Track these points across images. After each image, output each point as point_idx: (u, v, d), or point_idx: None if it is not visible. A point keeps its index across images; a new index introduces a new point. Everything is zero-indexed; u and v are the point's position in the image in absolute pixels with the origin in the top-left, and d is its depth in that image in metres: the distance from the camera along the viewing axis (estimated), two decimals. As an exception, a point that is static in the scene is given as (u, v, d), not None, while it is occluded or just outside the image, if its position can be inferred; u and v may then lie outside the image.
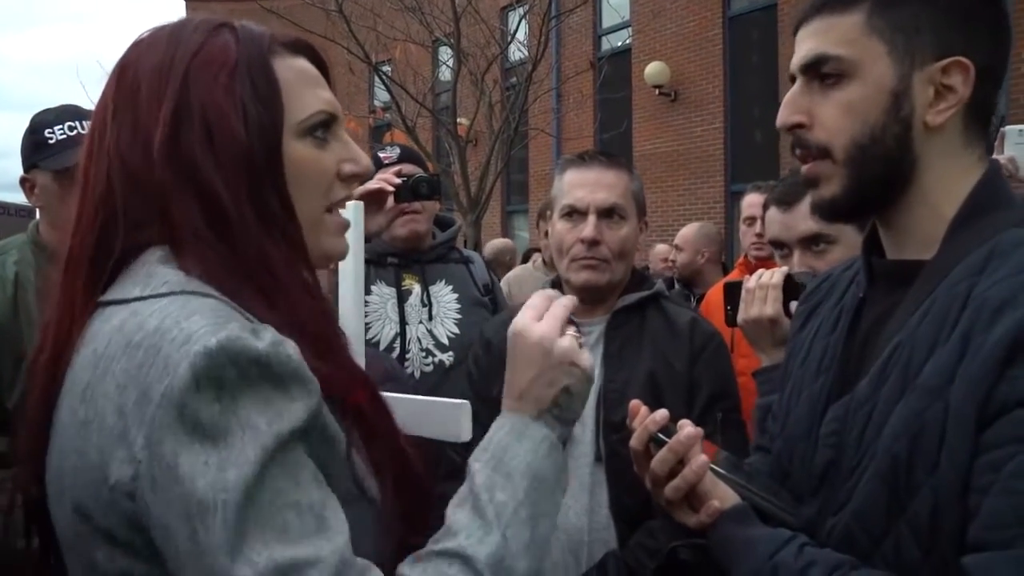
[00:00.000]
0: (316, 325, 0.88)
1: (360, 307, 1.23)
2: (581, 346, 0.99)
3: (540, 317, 0.99)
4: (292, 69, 0.92)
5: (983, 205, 1.02)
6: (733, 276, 3.27)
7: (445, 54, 10.78)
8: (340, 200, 0.96)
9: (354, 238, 1.18)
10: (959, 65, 1.01)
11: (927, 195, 1.05)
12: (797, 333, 1.28)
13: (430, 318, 2.46)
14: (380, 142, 8.36)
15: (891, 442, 0.96)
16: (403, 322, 2.43)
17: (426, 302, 2.47)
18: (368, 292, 2.45)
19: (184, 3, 19.18)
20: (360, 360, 1.23)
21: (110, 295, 0.85)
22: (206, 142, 0.84)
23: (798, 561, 0.99)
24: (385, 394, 1.23)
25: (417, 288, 2.48)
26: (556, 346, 0.96)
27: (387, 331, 2.42)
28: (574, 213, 1.84)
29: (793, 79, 1.11)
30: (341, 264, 1.21)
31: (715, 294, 3.22)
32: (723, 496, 1.11)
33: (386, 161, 2.47)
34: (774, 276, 1.76)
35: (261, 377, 0.76)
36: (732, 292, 1.87)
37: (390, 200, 2.25)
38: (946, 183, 1.04)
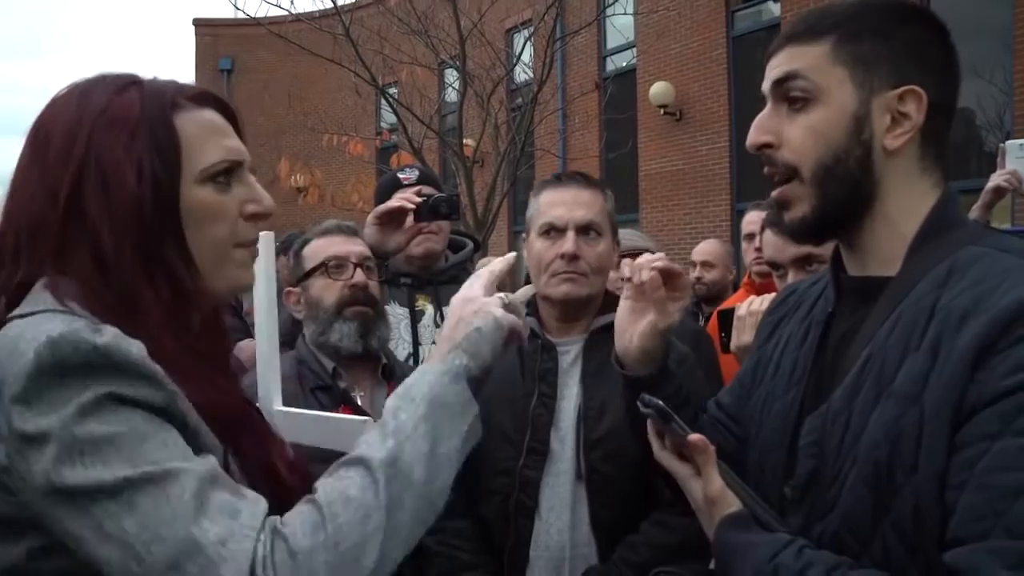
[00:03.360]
0: (180, 357, 0.95)
1: (274, 335, 1.34)
2: (506, 306, 1.13)
3: (472, 285, 1.15)
4: (195, 122, 1.01)
5: (940, 225, 1.10)
6: (739, 295, 3.30)
7: (451, 76, 10.84)
8: (248, 239, 1.05)
9: (265, 264, 1.26)
10: (913, 93, 1.09)
11: (888, 216, 1.12)
12: (764, 343, 1.33)
13: None
14: (387, 164, 8.42)
15: (872, 448, 1.01)
16: (416, 343, 2.46)
17: (439, 323, 2.49)
18: (381, 312, 2.48)
19: (193, 28, 19.39)
20: (272, 386, 1.32)
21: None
22: (102, 194, 0.95)
23: (797, 562, 1.02)
24: (295, 410, 1.36)
25: (430, 309, 2.51)
26: (476, 298, 1.12)
27: (400, 351, 2.44)
28: (552, 230, 1.86)
29: (763, 103, 1.17)
30: (255, 291, 1.29)
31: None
32: (729, 501, 1.14)
33: (405, 182, 2.51)
34: (763, 303, 1.81)
35: (105, 365, 0.85)
36: (725, 320, 1.91)
37: (409, 219, 2.29)
38: (905, 205, 1.11)
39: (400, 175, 2.57)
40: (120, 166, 0.94)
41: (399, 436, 0.94)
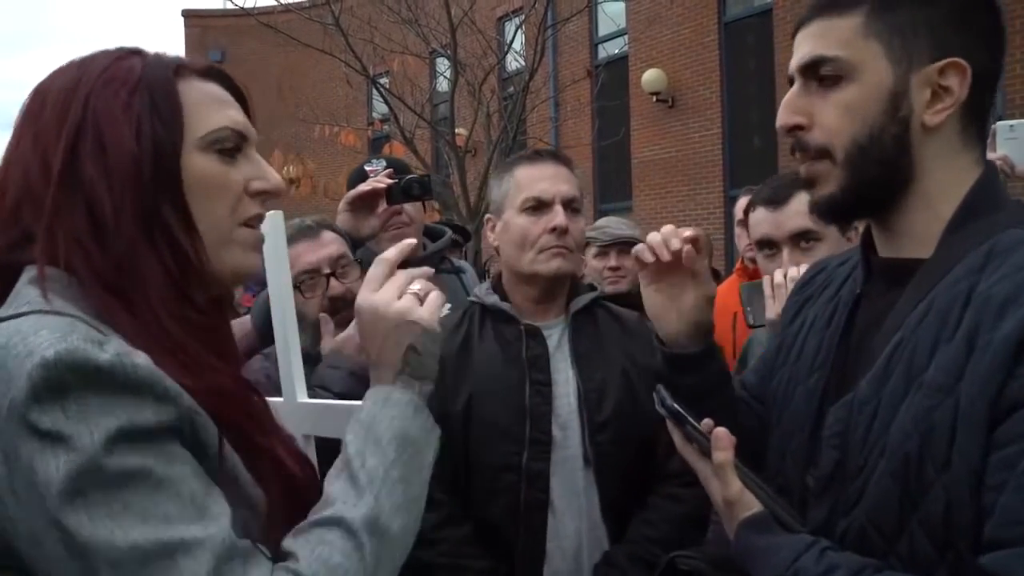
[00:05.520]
0: (183, 340, 0.89)
1: (292, 323, 1.26)
2: (423, 302, 1.01)
3: (378, 288, 1.02)
4: (199, 90, 0.96)
5: (980, 206, 1.03)
6: (731, 281, 3.27)
7: (442, 65, 10.80)
8: (252, 216, 0.98)
9: (275, 248, 1.19)
10: (956, 66, 1.02)
11: (926, 196, 1.05)
12: (788, 324, 1.28)
13: None
14: (379, 154, 8.39)
15: (901, 440, 0.95)
16: (395, 332, 2.43)
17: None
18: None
19: (183, 20, 19.27)
20: (293, 375, 1.25)
21: None
22: (99, 154, 0.88)
23: (819, 566, 0.98)
24: (330, 402, 1.29)
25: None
26: (390, 310, 1.00)
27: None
28: (539, 206, 1.81)
29: (791, 81, 1.11)
30: (268, 277, 1.23)
31: (719, 296, 3.20)
32: (748, 503, 1.09)
33: (372, 175, 2.48)
34: (802, 270, 1.77)
35: (107, 385, 0.77)
36: (752, 293, 1.86)
37: (382, 203, 2.28)
38: (944, 184, 1.05)
39: (367, 167, 2.56)
40: (117, 124, 0.89)
41: (374, 488, 0.91)
